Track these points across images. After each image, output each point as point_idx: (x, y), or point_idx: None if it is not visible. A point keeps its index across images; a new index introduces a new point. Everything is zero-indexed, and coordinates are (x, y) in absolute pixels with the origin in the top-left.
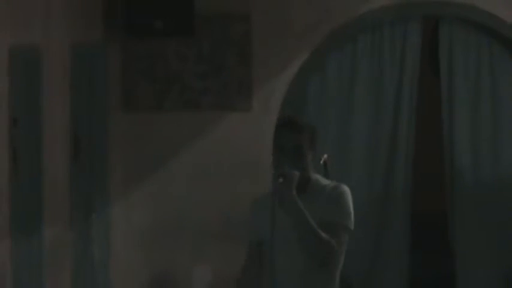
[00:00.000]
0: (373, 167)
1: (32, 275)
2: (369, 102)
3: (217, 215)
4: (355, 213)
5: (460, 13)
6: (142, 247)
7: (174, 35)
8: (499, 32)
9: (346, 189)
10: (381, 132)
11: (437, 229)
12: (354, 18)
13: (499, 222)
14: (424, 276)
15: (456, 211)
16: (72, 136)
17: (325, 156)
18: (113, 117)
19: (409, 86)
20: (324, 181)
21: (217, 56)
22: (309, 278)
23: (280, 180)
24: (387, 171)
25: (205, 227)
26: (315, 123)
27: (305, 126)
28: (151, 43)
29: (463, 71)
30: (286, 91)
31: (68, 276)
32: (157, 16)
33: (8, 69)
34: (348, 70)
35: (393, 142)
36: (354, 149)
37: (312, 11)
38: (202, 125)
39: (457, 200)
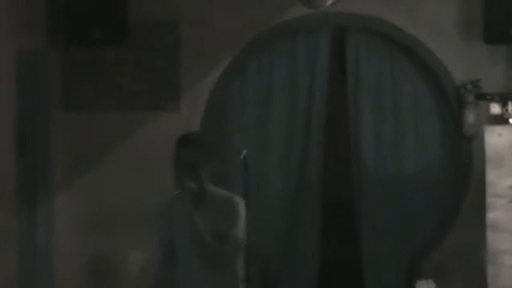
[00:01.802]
0: (288, 161)
1: None
2: (284, 103)
3: (148, 206)
4: (274, 199)
5: (365, 24)
6: (82, 233)
7: (110, 43)
8: (401, 41)
9: (238, 200)
10: (295, 130)
11: (346, 217)
12: (271, 28)
13: (399, 213)
14: (333, 260)
15: (360, 200)
16: (18, 134)
17: (245, 152)
18: (55, 117)
19: (320, 90)
20: (220, 192)
21: (149, 61)
22: (209, 275)
23: (177, 192)
24: (301, 165)
25: (138, 216)
26: (237, 123)
27: (200, 143)
28: (90, 50)
29: (368, 77)
30: (210, 93)
31: (14, 259)
32: (95, 26)
33: None
34: (266, 74)
35: (306, 140)
36: (271, 145)
37: (233, 21)
38: (135, 124)
39: (362, 190)
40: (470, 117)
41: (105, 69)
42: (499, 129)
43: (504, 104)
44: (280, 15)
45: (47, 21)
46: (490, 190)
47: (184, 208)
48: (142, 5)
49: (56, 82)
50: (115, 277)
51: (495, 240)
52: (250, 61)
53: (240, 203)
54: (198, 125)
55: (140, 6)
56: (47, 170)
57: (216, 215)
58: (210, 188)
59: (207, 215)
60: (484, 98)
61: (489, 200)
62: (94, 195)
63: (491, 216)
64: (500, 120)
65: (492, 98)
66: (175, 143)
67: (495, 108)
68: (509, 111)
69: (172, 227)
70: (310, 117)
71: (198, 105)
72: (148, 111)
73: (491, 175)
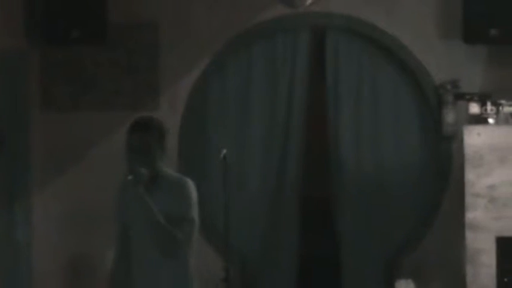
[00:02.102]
0: (267, 160)
1: None
2: (264, 103)
3: None
4: (254, 198)
5: (344, 24)
6: (61, 232)
7: (89, 43)
8: (380, 41)
9: (188, 182)
10: (274, 128)
11: (325, 212)
12: (250, 28)
13: (378, 212)
14: (312, 255)
15: (339, 199)
16: None
17: (224, 151)
18: (33, 117)
19: (300, 88)
20: (171, 175)
21: (128, 61)
22: (163, 267)
23: (130, 177)
24: (280, 163)
25: None
26: (216, 121)
27: (153, 126)
28: (69, 49)
29: (346, 75)
30: (190, 93)
31: None
32: (74, 25)
33: None
34: (245, 73)
35: (286, 137)
36: (250, 144)
37: (212, 21)
38: (114, 124)
39: (341, 189)
40: (449, 116)
41: (84, 68)
42: (478, 128)
43: (483, 104)
44: (260, 15)
45: (26, 21)
46: (469, 190)
47: (137, 193)
48: (122, 5)
49: (34, 81)
50: (93, 276)
51: (474, 240)
52: (230, 61)
53: (191, 185)
54: (177, 125)
55: (119, 6)
56: (25, 169)
57: (169, 197)
58: (162, 171)
59: (160, 198)
60: (463, 97)
61: (468, 199)
62: (72, 195)
63: (470, 215)
64: (479, 120)
65: (471, 97)
66: (128, 128)
67: (474, 108)
68: (488, 111)
69: (126, 213)
70: (289, 116)
71: (178, 104)
72: (127, 110)
73: (470, 175)
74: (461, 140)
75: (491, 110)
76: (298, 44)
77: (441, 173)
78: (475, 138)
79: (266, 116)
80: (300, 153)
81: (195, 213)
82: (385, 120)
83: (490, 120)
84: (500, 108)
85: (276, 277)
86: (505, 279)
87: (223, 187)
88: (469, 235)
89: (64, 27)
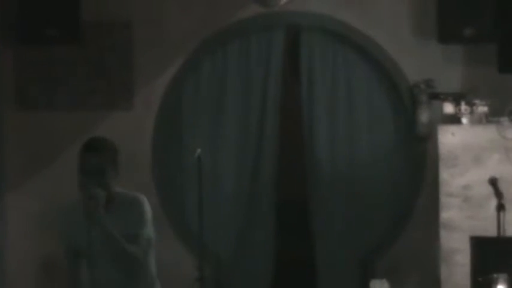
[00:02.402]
0: (242, 159)
1: None
2: (239, 102)
3: None
4: (228, 198)
5: (319, 23)
6: (35, 232)
7: (63, 42)
8: (355, 40)
9: (142, 199)
10: (249, 127)
11: (300, 215)
12: (225, 27)
13: (353, 212)
14: (287, 256)
15: (314, 199)
16: None
17: (199, 150)
18: (7, 116)
19: (274, 87)
20: (125, 194)
21: (102, 60)
22: (124, 283)
23: (89, 201)
24: (255, 163)
25: None
26: (190, 122)
27: (106, 147)
28: (43, 48)
29: (321, 75)
30: (164, 92)
31: None
32: (48, 25)
33: None
34: (220, 73)
35: (260, 136)
36: (225, 143)
37: (187, 20)
38: (89, 123)
39: (315, 189)
40: (423, 116)
41: (58, 67)
42: (452, 128)
43: (457, 104)
44: (234, 14)
45: None
46: (443, 189)
47: (94, 215)
48: (95, 4)
49: (8, 81)
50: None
51: (449, 240)
52: (204, 60)
53: (145, 202)
54: (151, 124)
55: (93, 5)
56: None
57: (124, 217)
58: (116, 190)
59: (116, 219)
60: (438, 97)
61: (442, 199)
62: (47, 194)
63: (445, 215)
64: (454, 119)
65: (445, 97)
66: (80, 150)
67: (448, 108)
68: (463, 110)
69: (78, 236)
70: (264, 116)
71: (152, 104)
72: (101, 110)
73: (444, 174)
74: (436, 140)
75: (466, 109)
76: (273, 43)
77: (415, 172)
78: (449, 138)
79: (241, 116)
80: (275, 153)
81: (150, 230)
82: (359, 119)
83: (464, 120)
84: (475, 108)
85: (250, 278)
86: (480, 279)
87: (198, 187)
88: (444, 235)
89: (38, 26)
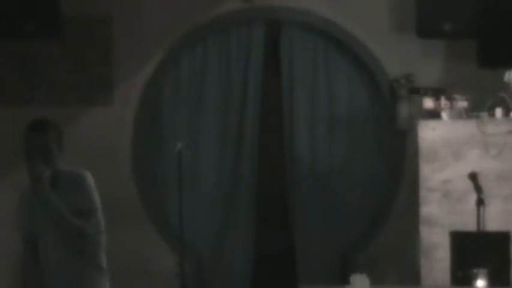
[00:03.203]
0: (223, 154)
1: None
2: (219, 97)
3: None
4: (209, 193)
5: (299, 18)
6: (9, 230)
7: (42, 37)
8: (334, 35)
9: (86, 175)
10: (229, 123)
11: (280, 211)
12: (205, 21)
13: (333, 207)
14: (268, 253)
15: (294, 195)
16: None
17: (179, 145)
18: None
19: (254, 83)
20: (69, 171)
21: (82, 55)
22: (74, 263)
23: (35, 181)
24: (235, 158)
25: None
26: (170, 117)
27: (50, 127)
28: (23, 44)
29: (301, 71)
30: (144, 87)
31: None
32: (26, 19)
33: None
34: (199, 68)
35: (240, 132)
36: (205, 138)
37: (166, 15)
38: (69, 118)
39: (295, 185)
40: (403, 111)
41: (37, 62)
42: (432, 123)
43: (437, 99)
44: (214, 9)
45: None
46: (423, 184)
47: (41, 194)
48: None
49: None
50: None
51: (428, 234)
52: (184, 55)
53: (89, 176)
54: (131, 119)
55: (72, 0)
56: None
57: (70, 193)
58: (61, 168)
59: (63, 196)
60: (418, 92)
61: (422, 194)
62: None
63: (425, 210)
64: (434, 114)
65: (425, 92)
66: (25, 130)
67: (428, 103)
68: (442, 105)
69: (33, 217)
70: (244, 111)
71: (132, 99)
72: (81, 105)
73: (424, 169)
74: (416, 135)
75: (446, 104)
76: (253, 38)
77: (395, 167)
78: (429, 132)
79: (221, 110)
80: (255, 149)
81: (97, 204)
82: (339, 114)
83: (444, 115)
84: (454, 102)
85: (230, 272)
86: (459, 273)
87: (178, 182)
88: (424, 229)
89: (17, 21)
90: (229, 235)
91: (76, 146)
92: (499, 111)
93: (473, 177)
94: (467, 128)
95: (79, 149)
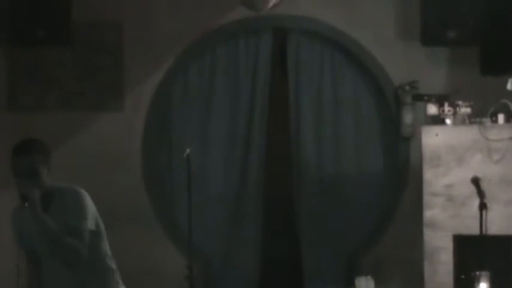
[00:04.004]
0: (230, 160)
1: None
2: (227, 103)
3: (95, 202)
4: (217, 197)
5: (305, 26)
6: None
7: (54, 43)
8: (341, 43)
9: (80, 192)
10: (237, 129)
11: (287, 214)
12: (213, 29)
13: (339, 211)
14: (274, 256)
15: (301, 199)
16: None
17: (188, 150)
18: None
19: (262, 89)
20: (62, 188)
21: (93, 61)
22: (75, 272)
23: (26, 204)
24: (243, 163)
25: None
26: (180, 122)
27: (35, 148)
28: (34, 50)
29: (308, 77)
30: (154, 93)
31: None
32: (38, 26)
33: None
34: (208, 75)
35: (248, 139)
36: (213, 143)
37: (176, 22)
38: (80, 123)
39: (302, 189)
40: (408, 117)
41: (49, 69)
42: (435, 129)
43: (441, 105)
44: (223, 17)
45: None
46: (427, 189)
47: (35, 215)
48: (86, 6)
49: (0, 81)
50: None
51: (432, 238)
52: (193, 61)
53: (83, 194)
54: (142, 125)
55: (83, 7)
56: None
57: (63, 210)
58: (53, 186)
59: (57, 213)
60: (422, 98)
61: (426, 198)
62: None
63: (428, 214)
64: (437, 120)
65: (429, 99)
66: (11, 154)
67: (432, 109)
68: (446, 111)
69: (26, 235)
70: (252, 117)
71: (142, 105)
72: (91, 111)
73: (428, 174)
74: (420, 140)
75: (449, 110)
76: (261, 45)
77: (400, 172)
78: (433, 138)
79: (229, 116)
80: (262, 153)
81: (88, 223)
82: (345, 120)
83: (448, 121)
84: (458, 109)
85: (238, 275)
86: (462, 276)
87: (187, 186)
88: (427, 233)
89: (29, 28)
90: (237, 238)
91: (87, 151)
92: (501, 118)
93: (476, 182)
94: (470, 133)
95: (90, 154)
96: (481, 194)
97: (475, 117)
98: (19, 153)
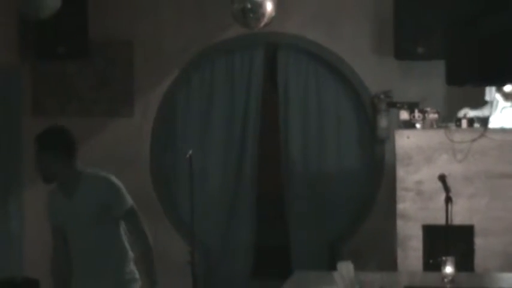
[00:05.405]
0: (227, 160)
1: None
2: (224, 109)
3: None
4: (214, 197)
5: (293, 42)
6: (49, 224)
7: (73, 57)
8: (324, 57)
9: (112, 177)
10: (233, 132)
11: (277, 208)
12: (212, 45)
13: (322, 205)
14: (266, 245)
15: (289, 194)
16: None
17: (190, 152)
18: (25, 122)
19: (255, 98)
20: (96, 173)
21: (107, 73)
22: (99, 250)
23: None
24: (238, 164)
25: None
26: (183, 127)
27: (52, 135)
28: (56, 64)
29: (295, 87)
30: (161, 101)
31: None
32: (60, 42)
33: None
34: (208, 85)
35: (243, 140)
36: (212, 145)
37: (180, 39)
38: (95, 128)
39: (290, 185)
40: (383, 122)
41: (69, 80)
42: (407, 132)
43: (412, 111)
44: (221, 34)
45: (19, 39)
46: (399, 184)
47: (63, 195)
48: (101, 25)
49: (26, 91)
50: None
51: (404, 228)
52: (195, 73)
53: (118, 183)
54: (150, 129)
55: (99, 26)
56: (18, 168)
57: (97, 191)
58: (83, 169)
59: (88, 194)
60: (395, 106)
61: (399, 193)
62: None
63: (401, 206)
64: (409, 125)
65: (401, 106)
66: (34, 143)
67: (404, 115)
68: (416, 117)
69: (58, 216)
70: (246, 121)
71: (150, 111)
72: (106, 116)
73: (400, 172)
74: (393, 142)
75: (419, 116)
76: (254, 59)
77: (376, 170)
78: (405, 140)
79: (226, 121)
80: (256, 156)
81: (129, 200)
82: (328, 124)
83: (418, 125)
84: (426, 115)
85: (234, 262)
86: (430, 261)
87: (189, 183)
88: (400, 223)
89: (52, 44)
90: (233, 229)
91: (101, 152)
92: (464, 123)
93: (442, 178)
94: (437, 136)
95: (104, 156)
96: (446, 189)
97: (441, 122)
98: (40, 143)
